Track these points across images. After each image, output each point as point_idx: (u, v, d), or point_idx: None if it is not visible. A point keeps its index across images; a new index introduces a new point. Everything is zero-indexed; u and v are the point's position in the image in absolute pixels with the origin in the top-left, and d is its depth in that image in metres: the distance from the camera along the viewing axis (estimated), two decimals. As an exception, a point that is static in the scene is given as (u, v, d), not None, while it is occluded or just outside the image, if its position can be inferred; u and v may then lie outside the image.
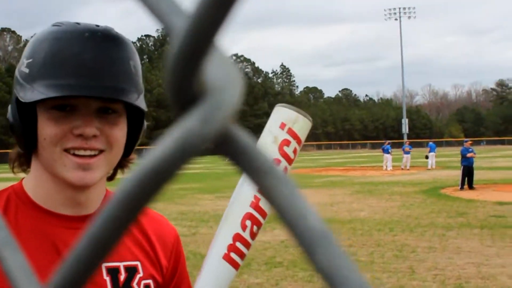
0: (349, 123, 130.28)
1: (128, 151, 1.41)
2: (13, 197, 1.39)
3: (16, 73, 1.34)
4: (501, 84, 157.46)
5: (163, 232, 1.55)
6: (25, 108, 1.30)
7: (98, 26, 1.32)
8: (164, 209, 18.34)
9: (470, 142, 25.06)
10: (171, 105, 0.33)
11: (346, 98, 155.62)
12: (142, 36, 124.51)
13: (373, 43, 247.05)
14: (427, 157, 37.67)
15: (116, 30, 1.35)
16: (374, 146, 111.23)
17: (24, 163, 1.43)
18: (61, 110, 1.28)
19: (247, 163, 0.34)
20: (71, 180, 1.29)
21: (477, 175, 24.49)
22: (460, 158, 24.17)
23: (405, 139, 66.41)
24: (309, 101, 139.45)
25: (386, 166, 37.67)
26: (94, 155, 1.30)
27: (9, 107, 1.34)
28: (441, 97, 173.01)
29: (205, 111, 0.31)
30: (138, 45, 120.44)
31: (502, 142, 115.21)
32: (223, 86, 0.32)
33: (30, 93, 1.26)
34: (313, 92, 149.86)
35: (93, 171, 1.30)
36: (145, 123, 1.43)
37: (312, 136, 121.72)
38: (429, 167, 37.04)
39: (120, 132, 1.35)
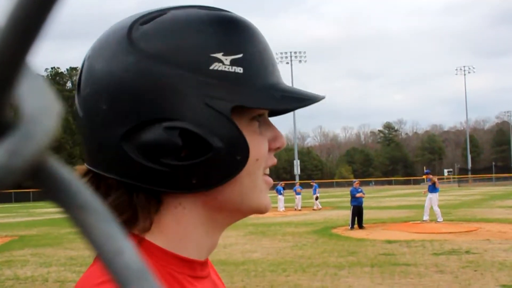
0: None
1: None
2: (163, 267, 0.95)
3: (198, 76, 0.92)
4: (387, 126, 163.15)
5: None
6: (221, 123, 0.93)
7: None
8: (53, 254, 17.71)
9: (358, 182, 25.62)
10: None
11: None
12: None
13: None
14: (317, 198, 38.13)
15: None
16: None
17: (148, 209, 0.96)
18: (257, 121, 1.00)
19: (63, 197, 0.32)
20: (266, 207, 1.03)
21: (367, 214, 25.04)
22: (350, 198, 24.70)
23: (297, 180, 67.33)
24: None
25: (278, 207, 37.98)
26: None
27: (188, 126, 0.91)
28: (331, 139, 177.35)
29: (14, 142, 0.29)
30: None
31: (390, 182, 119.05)
32: (36, 114, 0.30)
33: (271, 99, 0.95)
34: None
35: None
36: None
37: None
38: (318, 207, 37.50)
39: None
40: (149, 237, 0.96)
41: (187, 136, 0.91)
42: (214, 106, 0.92)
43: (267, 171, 1.04)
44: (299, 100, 0.97)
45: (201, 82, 0.92)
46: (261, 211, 1.02)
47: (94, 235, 0.31)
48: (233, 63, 0.94)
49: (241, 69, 0.94)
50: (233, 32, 0.96)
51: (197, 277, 1.01)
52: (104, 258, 0.31)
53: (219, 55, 0.93)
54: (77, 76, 1.00)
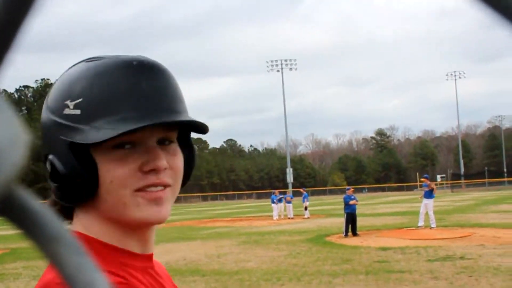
0: (234, 174, 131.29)
1: (184, 182, 1.34)
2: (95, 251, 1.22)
3: (55, 118, 1.22)
4: (380, 133, 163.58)
5: (164, 268, 1.50)
6: (77, 153, 1.19)
7: (134, 56, 1.25)
8: (45, 266, 17.58)
9: (352, 189, 25.63)
10: None
11: (231, 148, 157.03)
12: (20, 87, 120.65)
13: (257, 95, 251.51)
14: (306, 208, 38.01)
15: None
16: (259, 196, 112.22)
17: (62, 217, 1.27)
18: (122, 149, 1.20)
19: (33, 229, 0.32)
20: (147, 218, 1.22)
21: (360, 221, 25.06)
22: (343, 206, 24.68)
23: (290, 189, 67.34)
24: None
25: (273, 215, 38.05)
26: (163, 189, 1.23)
27: (52, 158, 1.21)
28: (323, 146, 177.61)
29: None
30: (17, 96, 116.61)
31: (383, 189, 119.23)
32: (2, 145, 0.30)
33: (95, 133, 1.16)
34: (198, 143, 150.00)
35: (165, 204, 1.24)
36: (196, 151, 1.40)
37: (198, 187, 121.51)
38: (307, 216, 37.37)
39: (181, 162, 1.29)
40: (81, 229, 1.25)
41: (55, 164, 1.20)
42: (62, 142, 1.20)
43: (154, 188, 1.21)
44: (113, 132, 1.15)
45: (58, 124, 1.21)
46: (144, 223, 1.23)
47: (66, 266, 0.32)
48: (75, 106, 1.19)
49: (79, 111, 1.19)
50: (79, 81, 1.21)
51: (127, 264, 1.24)
52: (75, 289, 0.32)
53: (68, 102, 1.20)
54: None
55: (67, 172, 1.19)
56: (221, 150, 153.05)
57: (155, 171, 1.21)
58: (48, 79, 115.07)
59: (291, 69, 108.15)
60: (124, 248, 1.25)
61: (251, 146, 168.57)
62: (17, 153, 0.31)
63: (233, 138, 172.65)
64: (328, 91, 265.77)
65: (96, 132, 1.16)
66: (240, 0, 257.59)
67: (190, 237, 25.14)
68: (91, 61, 1.24)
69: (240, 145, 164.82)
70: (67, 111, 1.20)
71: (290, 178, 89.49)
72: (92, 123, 1.17)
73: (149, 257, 1.32)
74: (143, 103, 1.19)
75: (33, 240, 0.32)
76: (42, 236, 0.32)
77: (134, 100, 1.19)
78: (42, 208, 0.32)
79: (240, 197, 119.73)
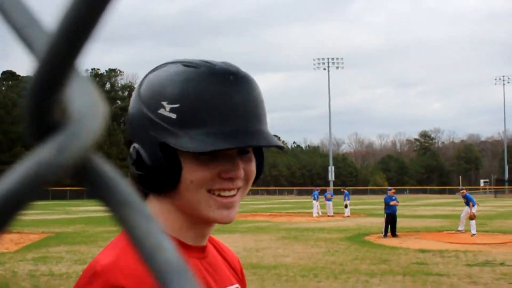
0: (276, 169, 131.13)
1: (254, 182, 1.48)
2: None
3: (149, 114, 1.32)
4: (424, 135, 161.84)
5: (234, 259, 1.68)
6: (166, 152, 1.30)
7: (227, 65, 1.35)
8: (87, 251, 17.96)
9: (393, 190, 25.52)
10: (28, 134, 0.32)
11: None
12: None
13: (302, 92, 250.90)
14: (346, 206, 37.86)
15: None
16: (300, 193, 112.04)
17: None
18: (207, 155, 1.31)
19: (106, 194, 0.33)
20: (217, 219, 1.35)
21: (400, 223, 24.92)
22: (383, 206, 24.59)
23: (331, 186, 67.10)
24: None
25: (313, 212, 38.04)
26: (235, 194, 1.36)
27: (138, 147, 1.33)
28: (366, 146, 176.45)
29: (61, 140, 0.31)
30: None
31: (425, 191, 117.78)
32: (83, 114, 0.32)
33: (189, 142, 1.26)
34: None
35: (234, 208, 1.37)
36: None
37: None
38: (347, 214, 37.30)
39: (254, 168, 1.42)
40: None
41: (141, 154, 1.32)
42: (153, 138, 1.30)
43: (227, 193, 1.34)
44: (207, 145, 1.25)
45: (151, 120, 1.31)
46: (212, 221, 1.37)
47: (135, 231, 0.33)
48: (171, 110, 1.29)
49: (175, 115, 1.29)
50: (177, 85, 1.30)
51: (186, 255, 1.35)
52: (145, 254, 0.32)
53: (164, 103, 1.30)
54: None
55: (152, 165, 1.30)
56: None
57: (232, 179, 1.33)
58: (98, 69, 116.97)
59: (337, 67, 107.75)
60: (179, 239, 1.38)
61: (294, 142, 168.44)
62: (96, 121, 0.32)
63: (277, 134, 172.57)
64: (374, 91, 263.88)
65: (190, 141, 1.26)
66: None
67: (229, 230, 25.30)
68: (189, 66, 1.32)
69: (283, 141, 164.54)
70: (162, 111, 1.30)
71: (331, 176, 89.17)
72: (186, 130, 1.27)
73: (202, 249, 1.45)
74: (234, 121, 1.29)
75: (106, 204, 0.34)
76: (115, 201, 0.33)
77: (230, 115, 1.29)
78: (116, 175, 0.34)
79: (281, 192, 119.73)
